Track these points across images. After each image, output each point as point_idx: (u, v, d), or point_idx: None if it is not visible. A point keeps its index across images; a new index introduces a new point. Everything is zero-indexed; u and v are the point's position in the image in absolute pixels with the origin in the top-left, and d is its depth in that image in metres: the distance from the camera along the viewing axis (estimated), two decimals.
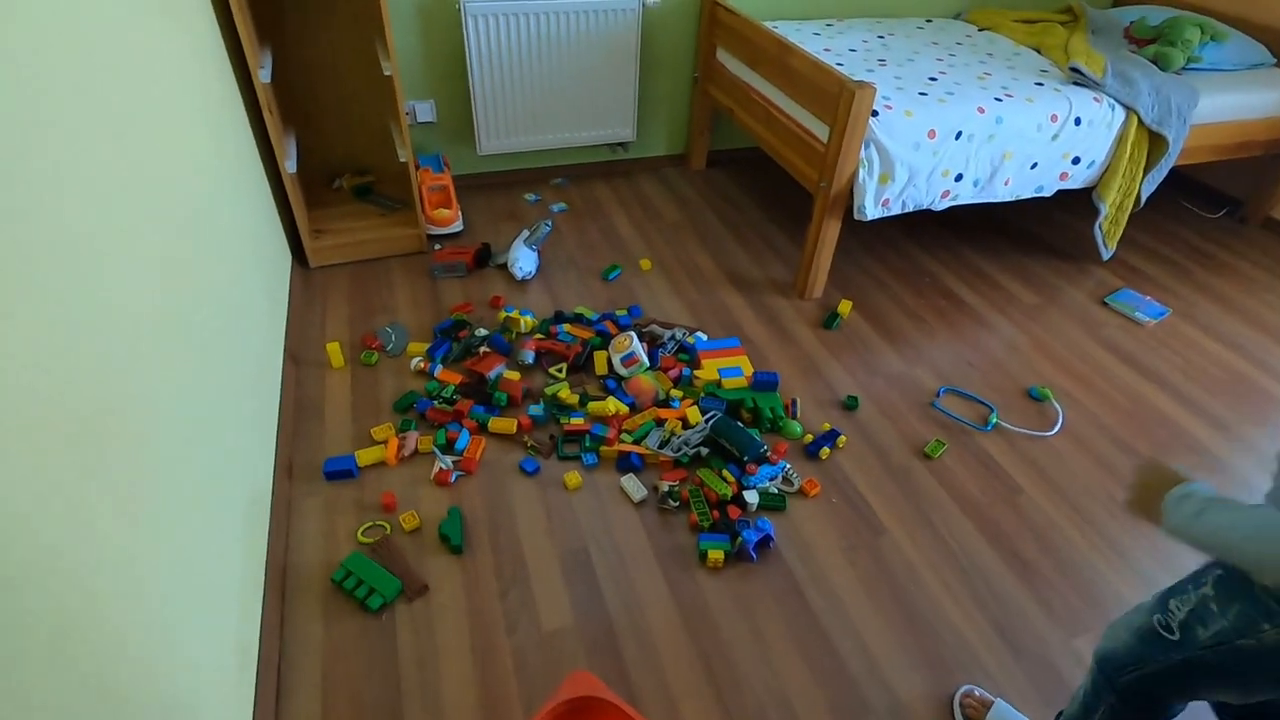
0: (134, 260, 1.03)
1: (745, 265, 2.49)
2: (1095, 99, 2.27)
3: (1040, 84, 2.33)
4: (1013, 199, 2.33)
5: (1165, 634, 0.91)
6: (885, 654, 1.39)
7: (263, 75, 1.91)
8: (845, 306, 2.28)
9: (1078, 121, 2.25)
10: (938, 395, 2.01)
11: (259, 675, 1.22)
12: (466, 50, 2.42)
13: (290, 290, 2.14)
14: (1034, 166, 2.28)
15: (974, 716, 1.28)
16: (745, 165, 3.11)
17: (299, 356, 1.97)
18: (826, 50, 2.51)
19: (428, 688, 1.29)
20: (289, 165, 2.08)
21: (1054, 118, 2.23)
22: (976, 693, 1.32)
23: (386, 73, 2.06)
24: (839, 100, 1.97)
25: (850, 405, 1.94)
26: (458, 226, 2.51)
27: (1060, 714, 1.19)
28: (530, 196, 2.79)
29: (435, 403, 1.82)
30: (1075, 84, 2.35)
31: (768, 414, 1.83)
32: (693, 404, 1.85)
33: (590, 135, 2.79)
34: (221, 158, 1.66)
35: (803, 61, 2.15)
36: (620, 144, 2.91)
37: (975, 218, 2.81)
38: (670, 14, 2.69)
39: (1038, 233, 2.74)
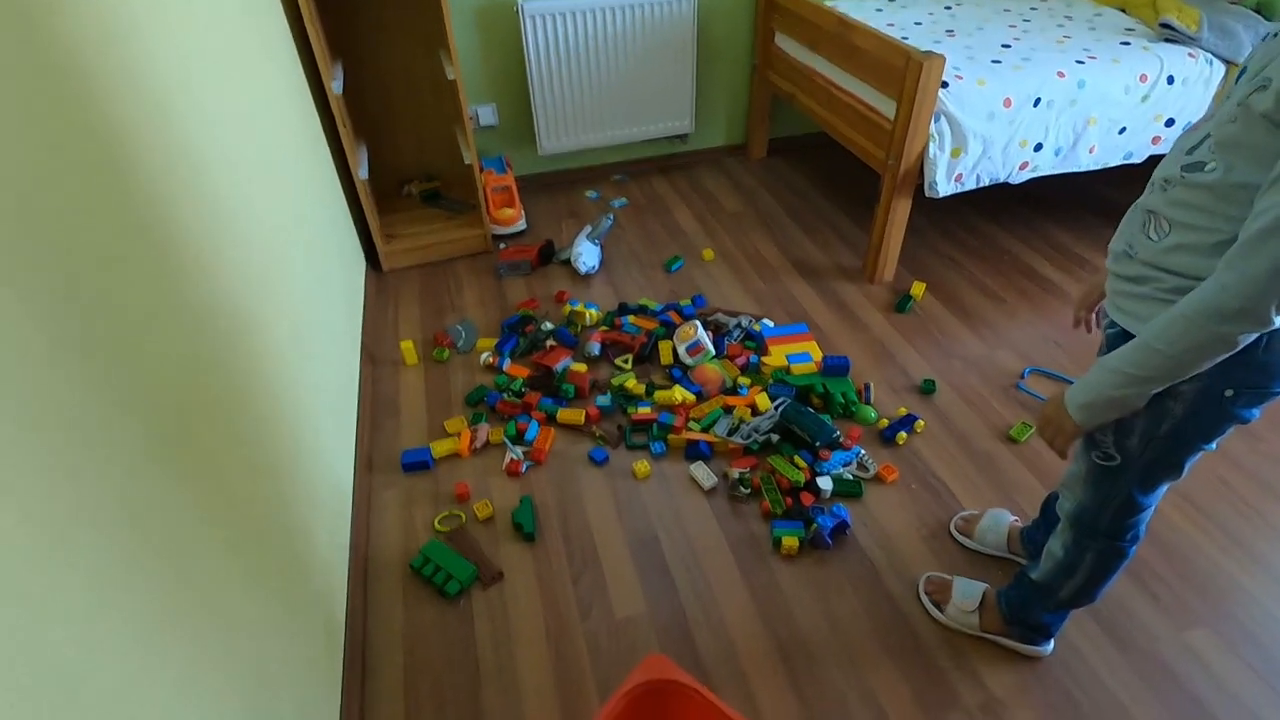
0: (232, 265, 1.09)
1: (811, 252, 2.43)
2: (1190, 54, 2.11)
3: (1126, 43, 2.18)
4: (1098, 168, 2.19)
5: (1108, 463, 1.00)
6: (973, 645, 1.32)
7: (335, 88, 2.00)
8: (918, 289, 2.19)
9: (1170, 80, 2.10)
10: (1022, 376, 1.90)
11: (345, 654, 1.27)
12: (525, 51, 2.46)
13: (365, 293, 2.22)
14: (1122, 131, 2.13)
15: (938, 597, 1.38)
16: (807, 152, 3.04)
17: (375, 355, 2.04)
18: (890, 26, 2.42)
19: (504, 670, 1.30)
20: (362, 173, 2.17)
21: (1143, 78, 2.08)
22: (933, 577, 1.41)
23: (450, 77, 2.12)
24: (905, 73, 1.90)
25: (927, 389, 1.86)
26: (521, 226, 2.55)
27: (1022, 575, 1.26)
28: (591, 193, 2.81)
29: (504, 395, 1.85)
30: (1166, 40, 2.19)
31: (839, 399, 1.78)
32: (761, 391, 1.82)
33: (649, 129, 2.79)
34: (305, 168, 1.74)
35: (865, 37, 2.08)
36: (679, 136, 2.90)
37: (1055, 191, 2.66)
38: (726, 2, 2.66)
39: (1125, 203, 2.56)
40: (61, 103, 0.71)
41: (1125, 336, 0.91)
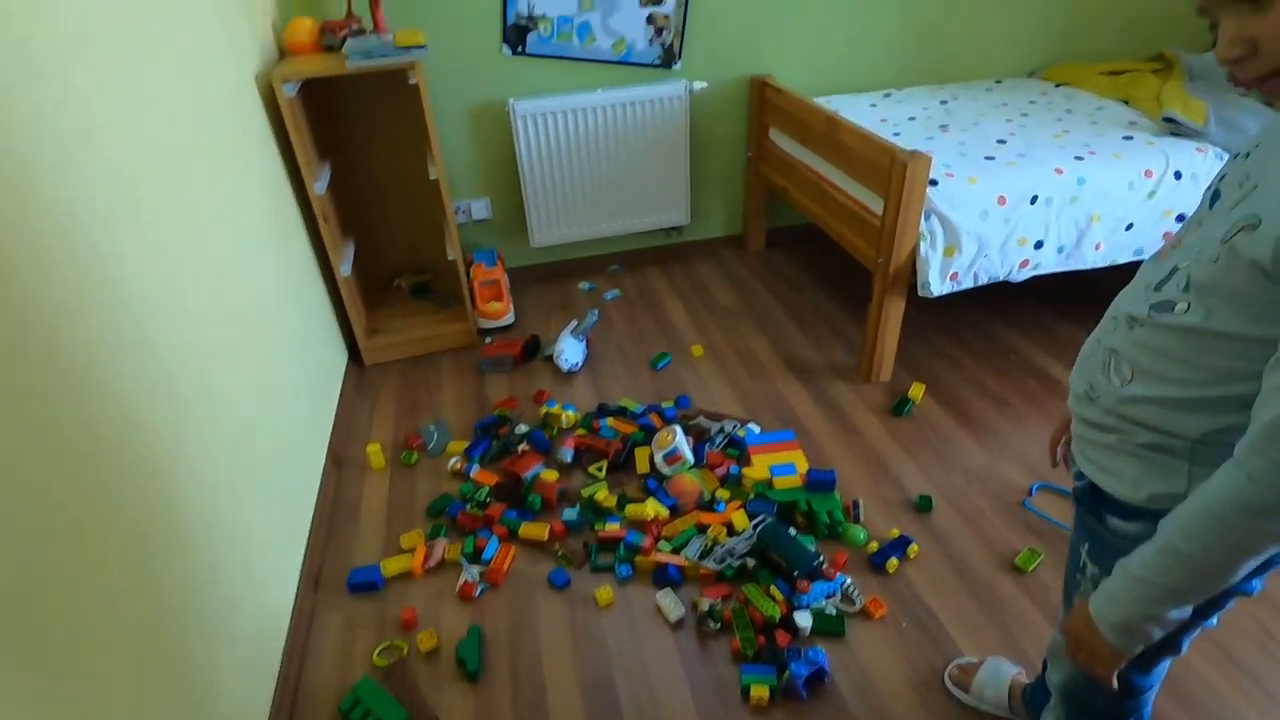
0: (185, 368, 1.03)
1: (804, 350, 2.33)
2: (1198, 149, 2.02)
3: (1129, 138, 2.11)
4: (1108, 264, 2.08)
5: None
6: None
7: (318, 189, 2.01)
8: (917, 390, 2.06)
9: (1178, 175, 2.00)
10: (1029, 493, 1.74)
11: None
12: (516, 149, 2.48)
13: (343, 389, 2.17)
14: (1129, 228, 2.03)
15: (961, 681, 1.31)
16: (805, 243, 2.98)
17: (342, 457, 1.96)
18: (883, 121, 2.40)
19: None
20: (344, 270, 2.15)
21: (1148, 173, 1.99)
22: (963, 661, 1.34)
23: (433, 177, 2.12)
24: (891, 172, 1.83)
25: (923, 507, 1.71)
26: (509, 319, 2.51)
27: None
28: (585, 285, 2.77)
29: (467, 506, 1.75)
30: (1172, 134, 2.10)
31: (824, 519, 1.63)
32: (740, 506, 1.68)
33: (643, 222, 2.77)
34: (272, 268, 1.72)
35: (852, 135, 2.04)
36: (674, 228, 2.87)
37: (1065, 285, 2.53)
38: (719, 97, 2.67)
39: None
40: None
41: (1096, 492, 0.78)
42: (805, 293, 2.65)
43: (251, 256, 1.62)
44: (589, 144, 2.54)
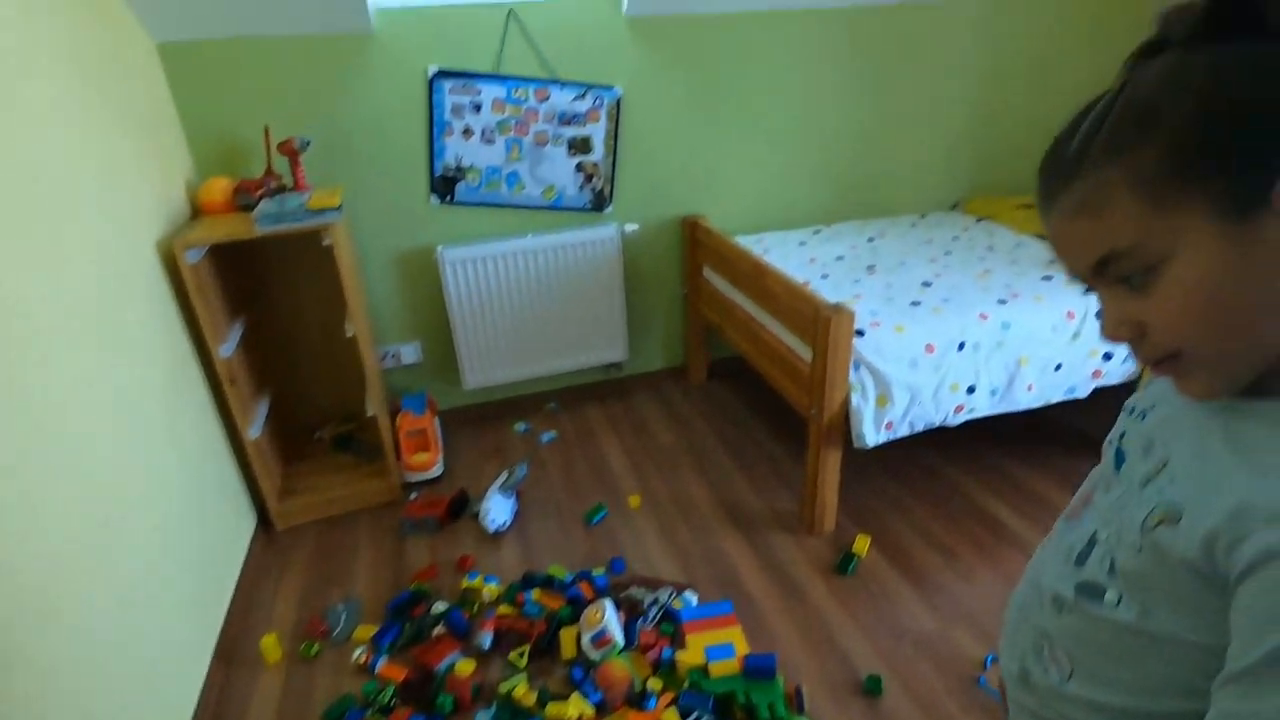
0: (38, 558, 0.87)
1: (746, 495, 2.23)
2: None
3: (1048, 277, 2.14)
4: (1042, 404, 2.05)
5: None
6: None
7: (224, 352, 1.90)
8: (862, 544, 1.96)
9: (1099, 315, 2.01)
10: (984, 666, 1.61)
11: None
12: (446, 295, 2.43)
13: (247, 560, 1.99)
14: (1058, 369, 2.02)
15: None
16: (747, 374, 2.94)
17: (233, 652, 1.76)
18: (812, 261, 2.42)
19: None
20: (252, 433, 2.02)
21: (1070, 315, 2.00)
22: None
23: (350, 334, 2.04)
24: (816, 324, 1.81)
25: (872, 689, 1.56)
26: (437, 470, 2.37)
27: None
28: (520, 426, 2.67)
29: (368, 713, 1.55)
30: None
31: (765, 713, 1.48)
32: (672, 702, 1.52)
33: (580, 360, 2.71)
34: (172, 443, 1.61)
35: (777, 282, 2.03)
36: (613, 364, 2.81)
37: (1003, 420, 2.51)
38: (653, 237, 2.69)
39: (1086, 430, 2.40)
40: None
41: None
42: (747, 428, 2.58)
43: (136, 440, 1.49)
44: (521, 287, 2.51)
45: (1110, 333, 0.56)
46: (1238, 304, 0.49)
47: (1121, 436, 0.67)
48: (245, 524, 2.10)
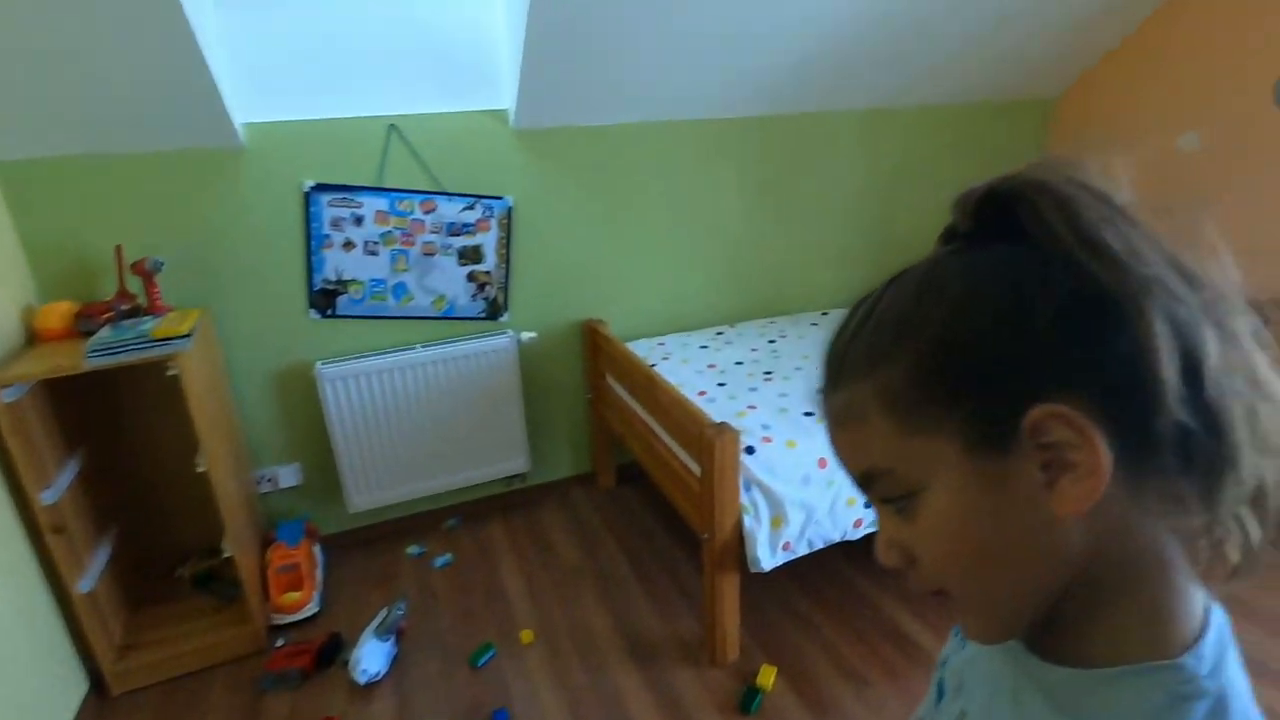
0: None
1: (648, 620, 2.08)
2: None
3: None
4: None
5: None
6: None
7: (46, 498, 1.69)
8: (767, 676, 1.82)
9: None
10: None
11: None
12: (326, 414, 2.27)
13: None
14: None
15: None
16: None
17: None
18: (711, 366, 2.37)
19: None
20: (83, 586, 1.78)
21: None
22: None
23: (201, 469, 1.86)
24: (700, 444, 1.73)
25: None
26: (312, 609, 2.15)
27: None
28: (414, 549, 2.47)
29: None
30: None
31: None
32: None
33: (480, 474, 2.56)
34: None
35: (667, 395, 1.96)
36: (515, 475, 2.67)
37: None
38: (553, 342, 2.61)
39: None
40: None
41: None
42: (651, 536, 2.46)
43: None
44: (411, 401, 2.38)
45: (880, 554, 0.48)
46: (993, 544, 0.42)
47: (944, 664, 0.59)
48: (74, 690, 1.82)
